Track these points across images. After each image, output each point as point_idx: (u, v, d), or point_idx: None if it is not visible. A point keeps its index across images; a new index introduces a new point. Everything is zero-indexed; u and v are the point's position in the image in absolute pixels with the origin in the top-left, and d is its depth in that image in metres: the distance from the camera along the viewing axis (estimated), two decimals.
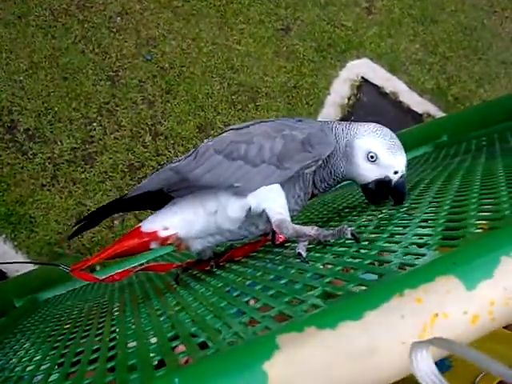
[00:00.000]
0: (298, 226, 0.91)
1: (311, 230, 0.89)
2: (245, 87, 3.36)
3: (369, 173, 1.01)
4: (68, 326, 1.12)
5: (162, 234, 1.05)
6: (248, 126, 1.04)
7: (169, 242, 1.06)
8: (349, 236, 0.84)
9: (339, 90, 3.48)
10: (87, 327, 0.99)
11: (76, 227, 1.16)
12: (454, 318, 0.48)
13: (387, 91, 3.57)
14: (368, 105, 3.50)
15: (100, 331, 0.92)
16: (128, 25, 3.38)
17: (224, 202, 1.01)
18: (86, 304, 1.47)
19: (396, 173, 0.99)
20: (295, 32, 3.52)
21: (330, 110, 3.43)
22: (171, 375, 0.44)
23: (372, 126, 1.02)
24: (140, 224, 1.09)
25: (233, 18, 3.48)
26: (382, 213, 1.04)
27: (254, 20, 3.49)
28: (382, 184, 1.01)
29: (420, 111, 3.58)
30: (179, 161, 1.04)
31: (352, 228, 0.85)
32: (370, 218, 1.05)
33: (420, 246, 0.73)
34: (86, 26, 3.35)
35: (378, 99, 3.55)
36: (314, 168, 1.01)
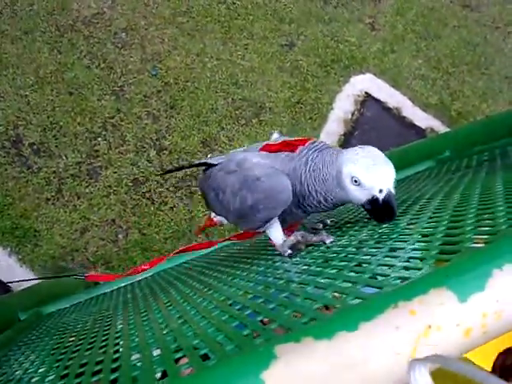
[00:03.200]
0: (288, 240, 1.16)
1: (298, 237, 1.15)
2: (249, 102, 3.38)
3: (358, 195, 1.06)
4: (72, 338, 1.13)
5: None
6: (231, 173, 1.23)
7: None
8: (328, 243, 1.08)
9: (343, 105, 3.50)
10: (92, 339, 1.01)
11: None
12: (447, 330, 0.49)
13: (391, 106, 3.58)
14: (372, 120, 3.52)
15: (104, 343, 0.94)
16: (133, 40, 3.41)
17: None
18: (90, 317, 1.48)
19: (381, 191, 1.03)
20: (299, 48, 3.54)
21: (333, 125, 3.45)
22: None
23: (354, 150, 1.07)
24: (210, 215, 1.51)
25: (237, 33, 3.50)
26: (382, 228, 1.06)
27: (258, 36, 3.52)
28: (374, 203, 1.05)
29: (423, 126, 3.59)
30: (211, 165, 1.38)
31: (331, 239, 1.09)
32: (370, 232, 1.08)
33: (419, 259, 0.77)
34: (91, 41, 3.38)
35: (381, 114, 3.56)
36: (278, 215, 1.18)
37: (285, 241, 1.17)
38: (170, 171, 1.66)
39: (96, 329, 1.14)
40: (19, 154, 3.20)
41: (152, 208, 3.18)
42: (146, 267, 1.57)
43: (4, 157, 3.17)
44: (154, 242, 3.15)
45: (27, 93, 3.27)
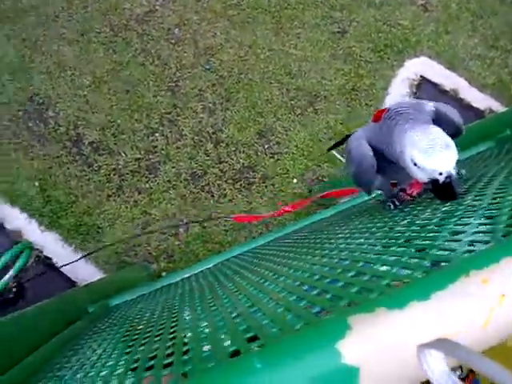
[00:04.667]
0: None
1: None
2: (303, 92, 3.35)
3: (420, 175, 1.09)
4: (141, 327, 1.13)
5: None
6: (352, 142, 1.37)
7: None
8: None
9: (398, 90, 3.43)
10: (160, 329, 1.01)
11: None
12: None
13: (447, 88, 3.48)
14: None
15: (173, 333, 0.94)
16: (186, 36, 3.43)
17: None
18: (157, 306, 1.49)
19: (441, 174, 1.03)
20: (351, 34, 3.49)
21: None
22: (250, 358, 0.45)
23: (416, 131, 1.08)
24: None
25: (288, 23, 3.48)
26: (445, 206, 1.06)
27: (309, 24, 3.49)
28: (435, 184, 1.06)
29: (482, 107, 3.47)
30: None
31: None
32: (434, 212, 1.07)
33: (486, 233, 0.75)
34: (145, 39, 3.42)
35: (437, 97, 3.47)
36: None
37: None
38: (334, 147, 1.80)
39: (164, 318, 1.15)
40: (80, 153, 3.26)
41: (211, 201, 3.19)
42: (289, 209, 1.76)
43: (66, 156, 3.24)
44: (215, 234, 3.15)
45: (85, 93, 3.33)
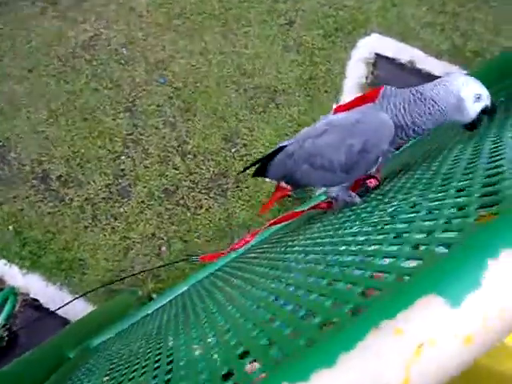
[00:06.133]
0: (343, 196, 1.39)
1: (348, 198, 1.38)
2: (261, 89, 3.33)
3: (476, 109, 1.23)
4: (125, 367, 1.10)
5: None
6: (321, 135, 1.31)
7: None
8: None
9: (355, 72, 3.41)
10: (145, 361, 0.99)
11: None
12: (443, 343, 0.41)
13: (403, 61, 3.48)
14: (387, 79, 3.41)
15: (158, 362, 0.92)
16: (135, 53, 3.40)
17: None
18: (138, 341, 1.45)
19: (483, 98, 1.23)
20: (299, 24, 3.47)
21: (350, 93, 3.37)
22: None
23: (453, 78, 1.24)
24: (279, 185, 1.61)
25: (235, 23, 3.46)
26: (418, 188, 1.02)
27: (256, 21, 3.47)
28: (487, 109, 1.24)
29: (441, 74, 3.46)
30: (288, 155, 1.43)
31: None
32: (406, 195, 1.03)
33: (460, 218, 0.68)
34: (94, 64, 3.38)
35: (395, 71, 3.46)
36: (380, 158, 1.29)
37: (349, 196, 1.34)
38: (247, 168, 1.73)
39: (149, 349, 1.12)
40: (49, 189, 3.22)
41: (188, 214, 3.16)
42: (249, 238, 1.74)
43: (35, 195, 3.19)
44: (197, 246, 3.12)
45: (44, 128, 3.29)
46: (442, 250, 0.59)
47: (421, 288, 0.44)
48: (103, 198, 3.19)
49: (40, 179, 3.22)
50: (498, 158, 0.85)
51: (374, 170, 1.34)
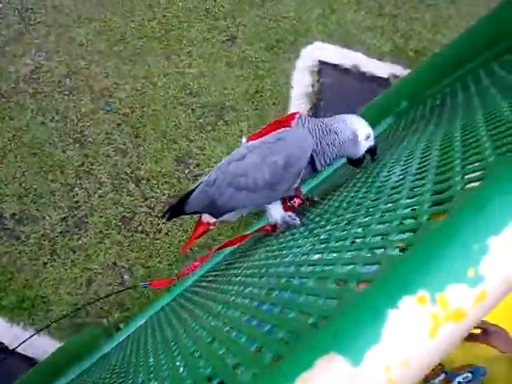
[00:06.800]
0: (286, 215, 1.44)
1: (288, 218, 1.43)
2: (209, 107, 3.34)
3: (364, 146, 1.41)
4: None
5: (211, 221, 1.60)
6: (244, 157, 1.37)
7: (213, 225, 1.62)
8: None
9: (300, 81, 3.45)
10: None
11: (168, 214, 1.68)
12: None
13: (347, 66, 3.53)
14: (333, 86, 3.46)
15: None
16: (78, 83, 3.36)
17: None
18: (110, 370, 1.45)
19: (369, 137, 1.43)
20: (241, 38, 3.49)
21: (298, 103, 3.40)
22: None
23: (350, 118, 1.41)
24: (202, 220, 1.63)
25: (177, 44, 3.45)
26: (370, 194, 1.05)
27: (197, 40, 3.47)
28: (371, 150, 1.44)
29: (385, 75, 3.53)
30: (208, 184, 1.46)
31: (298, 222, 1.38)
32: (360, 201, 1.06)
33: (413, 218, 0.69)
34: (38, 97, 3.34)
35: (340, 77, 3.51)
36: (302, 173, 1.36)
37: (289, 216, 1.40)
38: (171, 214, 1.74)
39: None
40: (4, 229, 3.17)
41: (148, 240, 3.15)
42: (197, 264, 1.82)
43: None
44: (160, 271, 3.11)
45: None
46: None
47: (321, 347, 0.42)
48: (60, 232, 3.16)
49: None
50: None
51: (296, 185, 1.42)
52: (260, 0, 3.58)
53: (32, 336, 2.89)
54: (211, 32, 3.50)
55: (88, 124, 3.30)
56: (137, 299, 3.08)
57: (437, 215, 0.63)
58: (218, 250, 1.86)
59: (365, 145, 1.41)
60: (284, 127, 1.38)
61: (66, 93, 3.36)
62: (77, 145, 3.27)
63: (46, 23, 3.50)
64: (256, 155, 1.35)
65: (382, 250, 0.64)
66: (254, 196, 1.38)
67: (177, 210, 1.61)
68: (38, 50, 3.45)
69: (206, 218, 1.60)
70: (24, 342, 2.92)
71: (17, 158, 3.25)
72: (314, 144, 1.35)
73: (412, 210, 0.71)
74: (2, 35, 3.47)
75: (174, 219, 3.13)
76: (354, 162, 1.47)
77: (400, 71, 3.53)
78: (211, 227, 1.64)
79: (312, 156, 1.36)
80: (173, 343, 1.08)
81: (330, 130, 1.37)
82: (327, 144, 1.36)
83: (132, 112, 3.31)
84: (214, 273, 1.98)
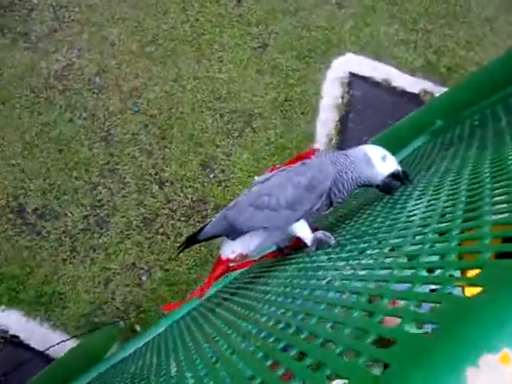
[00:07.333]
0: (317, 234, 1.35)
1: (320, 234, 1.33)
2: (237, 113, 3.32)
3: (385, 167, 1.38)
4: None
5: (231, 256, 1.53)
6: (269, 179, 1.42)
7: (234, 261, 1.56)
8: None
9: (331, 92, 3.42)
10: None
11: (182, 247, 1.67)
12: None
13: (378, 80, 3.49)
14: (363, 98, 3.43)
15: None
16: (108, 82, 3.37)
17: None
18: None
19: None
20: (272, 46, 3.48)
21: (326, 114, 3.37)
22: None
23: (365, 145, 1.45)
24: (221, 257, 1.56)
25: (208, 48, 3.45)
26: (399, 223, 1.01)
27: (229, 45, 3.46)
28: (394, 176, 1.38)
29: (416, 91, 3.49)
30: (228, 208, 1.46)
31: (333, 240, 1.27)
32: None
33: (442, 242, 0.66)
34: (67, 94, 3.35)
35: (371, 90, 3.48)
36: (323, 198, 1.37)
37: (316, 236, 1.34)
38: (185, 245, 1.70)
39: None
40: (26, 223, 3.17)
41: (168, 242, 3.13)
42: (206, 288, 1.72)
43: (12, 229, 3.15)
44: (179, 275, 3.09)
45: (19, 161, 3.25)
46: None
47: None
48: (81, 230, 3.16)
49: (16, 213, 3.18)
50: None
51: (317, 206, 1.40)
52: (293, 8, 3.56)
53: (64, 341, 2.88)
54: (243, 38, 3.49)
55: (115, 123, 3.30)
56: (153, 301, 3.06)
57: None
58: (232, 270, 1.80)
59: (383, 166, 1.37)
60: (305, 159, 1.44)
61: (96, 91, 3.37)
62: (103, 143, 3.28)
63: (80, 21, 3.52)
64: (281, 176, 1.40)
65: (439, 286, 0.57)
66: (274, 215, 1.39)
67: (191, 239, 1.59)
68: (69, 48, 3.46)
69: (226, 253, 1.53)
70: (54, 345, 2.91)
71: (43, 153, 3.26)
72: (335, 172, 1.37)
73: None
74: (35, 31, 3.50)
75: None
76: (384, 190, 1.42)
77: (431, 87, 3.49)
78: (231, 264, 1.57)
79: (330, 188, 1.39)
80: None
81: (346, 155, 1.41)
82: (345, 172, 1.38)
83: (160, 114, 3.31)
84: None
